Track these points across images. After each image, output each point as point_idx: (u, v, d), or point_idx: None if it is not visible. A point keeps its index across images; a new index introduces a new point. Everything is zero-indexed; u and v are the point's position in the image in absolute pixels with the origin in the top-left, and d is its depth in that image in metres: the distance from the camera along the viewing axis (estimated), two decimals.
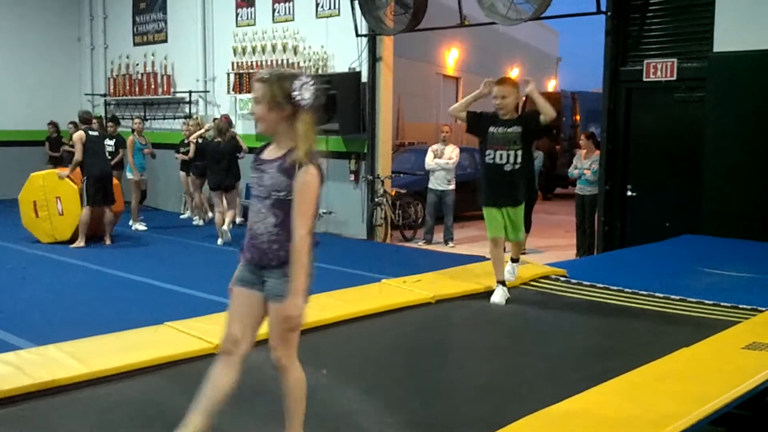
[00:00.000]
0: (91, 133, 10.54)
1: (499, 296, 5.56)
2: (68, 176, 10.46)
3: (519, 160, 5.50)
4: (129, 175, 12.32)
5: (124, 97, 15.90)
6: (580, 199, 10.11)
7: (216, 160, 10.95)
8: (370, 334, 4.73)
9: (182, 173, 13.10)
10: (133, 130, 12.62)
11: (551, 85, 29.57)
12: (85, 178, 10.31)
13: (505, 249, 5.79)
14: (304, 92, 2.92)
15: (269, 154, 3.02)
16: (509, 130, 5.49)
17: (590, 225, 9.97)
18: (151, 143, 13.10)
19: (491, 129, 5.55)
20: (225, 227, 10.71)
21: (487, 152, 5.57)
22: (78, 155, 10.42)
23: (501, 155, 5.49)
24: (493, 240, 5.68)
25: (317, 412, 3.41)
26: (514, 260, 5.96)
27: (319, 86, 3.02)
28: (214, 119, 12.57)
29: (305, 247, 2.89)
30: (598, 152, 9.81)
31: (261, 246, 2.97)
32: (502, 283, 5.64)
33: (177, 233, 11.88)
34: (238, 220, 11.51)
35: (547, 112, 5.42)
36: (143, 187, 12.45)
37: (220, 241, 10.70)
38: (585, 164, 9.97)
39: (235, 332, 3.01)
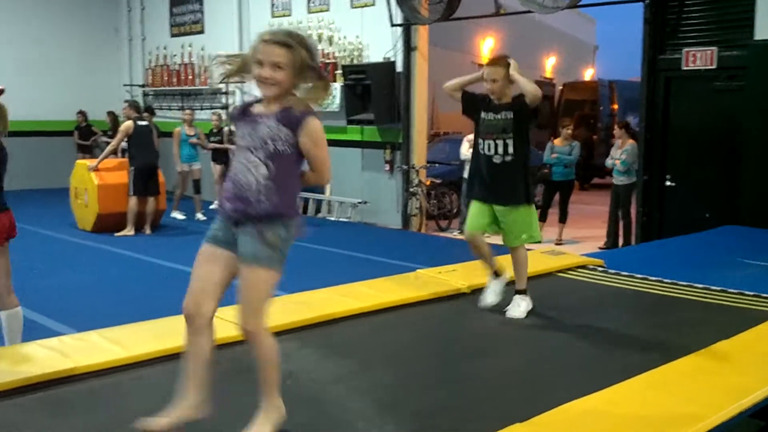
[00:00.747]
0: (140, 123, 10.69)
1: (490, 295, 4.98)
2: (96, 167, 10.61)
3: (510, 150, 4.79)
4: (183, 166, 12.46)
5: (162, 88, 16.08)
6: (614, 188, 10.06)
7: None
8: (405, 323, 4.74)
9: (212, 163, 13.34)
10: (183, 121, 12.75)
11: (588, 74, 29.26)
12: (132, 168, 10.48)
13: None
14: (318, 59, 2.94)
15: (261, 109, 2.93)
16: (499, 116, 4.83)
17: (625, 215, 9.89)
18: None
19: (483, 114, 4.93)
20: None
21: (479, 141, 4.96)
22: (113, 144, 10.62)
23: (489, 145, 4.84)
24: (469, 238, 5.04)
25: (344, 401, 3.43)
26: (520, 292, 4.92)
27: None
28: None
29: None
30: (631, 142, 9.74)
31: (247, 196, 2.82)
32: (495, 274, 5.04)
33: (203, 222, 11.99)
34: None
35: (530, 91, 4.73)
36: (196, 176, 12.58)
37: None
38: (617, 154, 9.90)
39: (198, 293, 2.90)
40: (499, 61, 4.89)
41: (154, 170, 10.77)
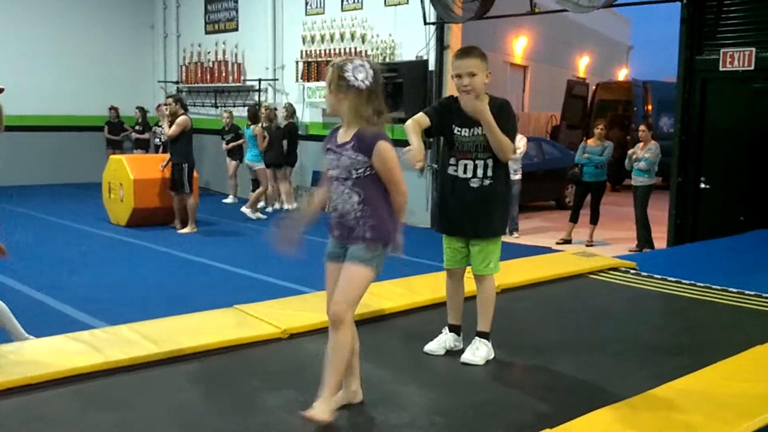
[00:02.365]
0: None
1: (435, 343, 4.19)
2: (165, 166, 10.79)
3: (490, 173, 3.97)
4: (256, 165, 12.34)
5: (196, 85, 16.20)
6: (634, 190, 10.00)
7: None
8: (433, 323, 4.71)
9: (227, 159, 13.73)
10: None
11: (622, 74, 28.97)
12: (185, 165, 10.40)
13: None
14: (357, 74, 3.11)
15: (341, 137, 3.21)
16: (476, 129, 3.93)
17: (642, 216, 9.82)
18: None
19: (455, 129, 4.01)
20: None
21: (450, 161, 4.06)
22: (171, 135, 10.41)
23: (466, 166, 3.99)
24: (448, 272, 4.26)
25: (371, 402, 3.42)
26: (482, 335, 4.07)
27: (373, 66, 3.17)
28: (267, 108, 13.07)
29: (402, 206, 3.24)
30: (653, 142, 9.76)
31: (349, 223, 3.20)
32: (453, 328, 4.23)
33: (244, 218, 12.04)
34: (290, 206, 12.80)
35: (502, 147, 3.89)
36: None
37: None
38: (641, 154, 9.85)
39: (330, 302, 3.24)
40: (474, 50, 3.95)
41: None
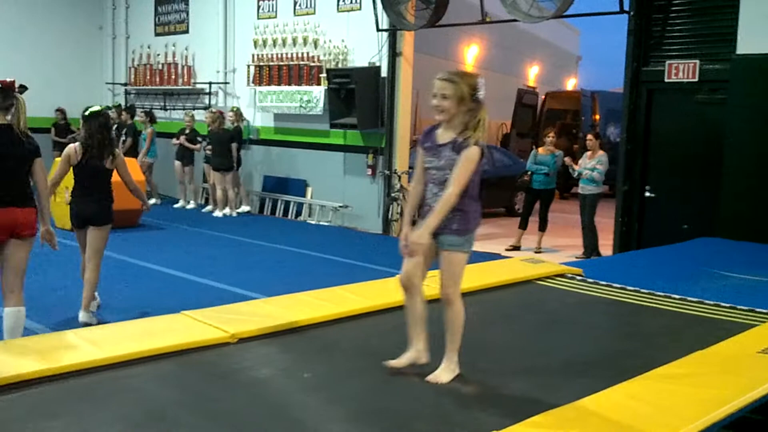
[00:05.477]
0: None
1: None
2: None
3: None
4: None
5: (145, 87, 15.99)
6: (582, 198, 10.18)
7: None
8: (386, 328, 4.73)
9: (176, 162, 13.75)
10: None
11: (571, 84, 29.43)
12: None
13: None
14: (482, 90, 3.65)
15: (441, 138, 3.70)
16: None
17: (589, 224, 10.02)
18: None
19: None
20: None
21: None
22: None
23: None
24: None
25: (326, 406, 3.42)
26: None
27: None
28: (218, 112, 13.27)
29: (450, 202, 3.62)
30: (601, 152, 9.96)
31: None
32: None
33: (194, 223, 11.93)
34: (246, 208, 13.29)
35: None
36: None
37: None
38: (589, 164, 10.02)
39: (409, 271, 3.82)
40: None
41: None
